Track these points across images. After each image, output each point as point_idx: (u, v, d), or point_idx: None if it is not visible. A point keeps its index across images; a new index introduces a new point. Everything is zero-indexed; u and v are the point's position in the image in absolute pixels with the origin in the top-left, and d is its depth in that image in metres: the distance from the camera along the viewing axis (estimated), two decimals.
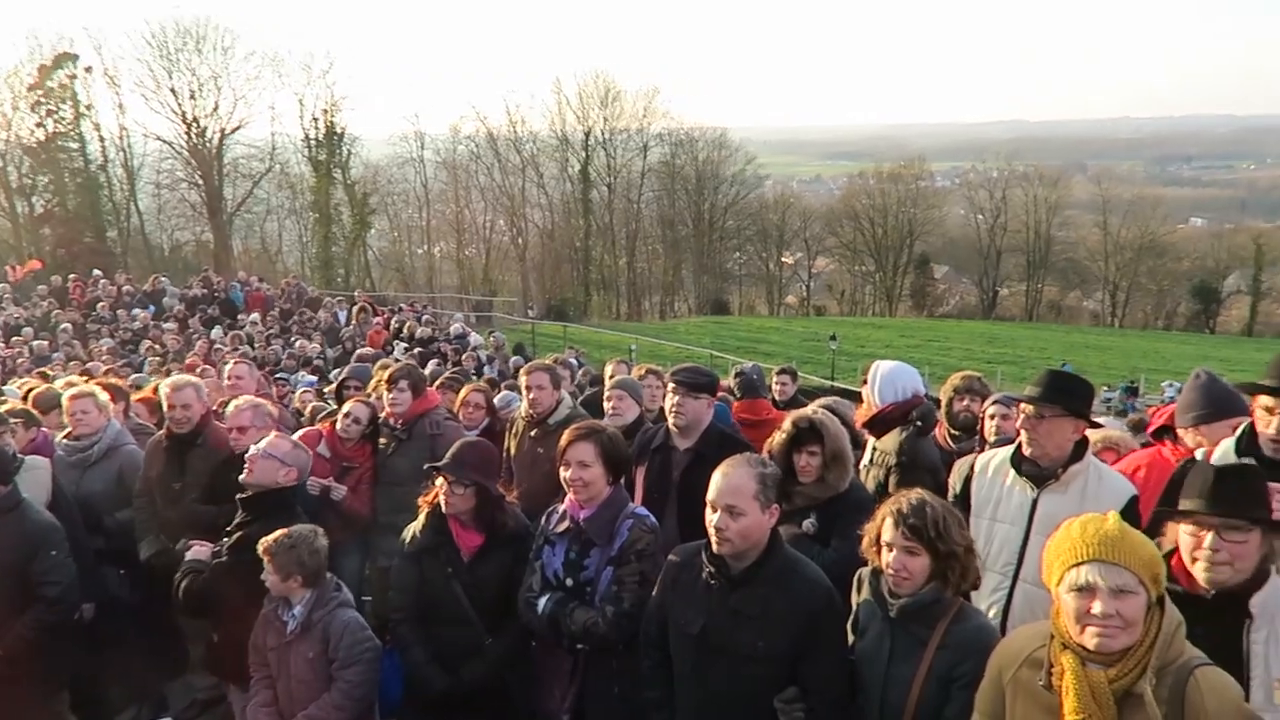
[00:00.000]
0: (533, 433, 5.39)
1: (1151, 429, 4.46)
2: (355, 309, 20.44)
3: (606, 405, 5.42)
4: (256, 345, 17.57)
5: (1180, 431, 4.04)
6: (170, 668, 5.47)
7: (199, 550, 4.09)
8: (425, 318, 22.26)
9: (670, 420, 4.43)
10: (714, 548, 2.97)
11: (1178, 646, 2.25)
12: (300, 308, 21.93)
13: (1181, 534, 2.67)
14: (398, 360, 9.43)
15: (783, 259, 67.14)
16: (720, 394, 5.61)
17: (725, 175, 63.52)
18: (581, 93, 59.14)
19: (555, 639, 3.53)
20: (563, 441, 3.60)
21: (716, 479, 2.98)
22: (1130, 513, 3.09)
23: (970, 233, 66.79)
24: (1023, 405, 3.42)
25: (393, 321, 20.69)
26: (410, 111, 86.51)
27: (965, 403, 4.96)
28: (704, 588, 3.03)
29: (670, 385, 4.46)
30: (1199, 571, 2.60)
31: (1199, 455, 3.60)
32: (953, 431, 4.98)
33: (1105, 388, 30.40)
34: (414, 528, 3.88)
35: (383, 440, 5.58)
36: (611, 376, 6.70)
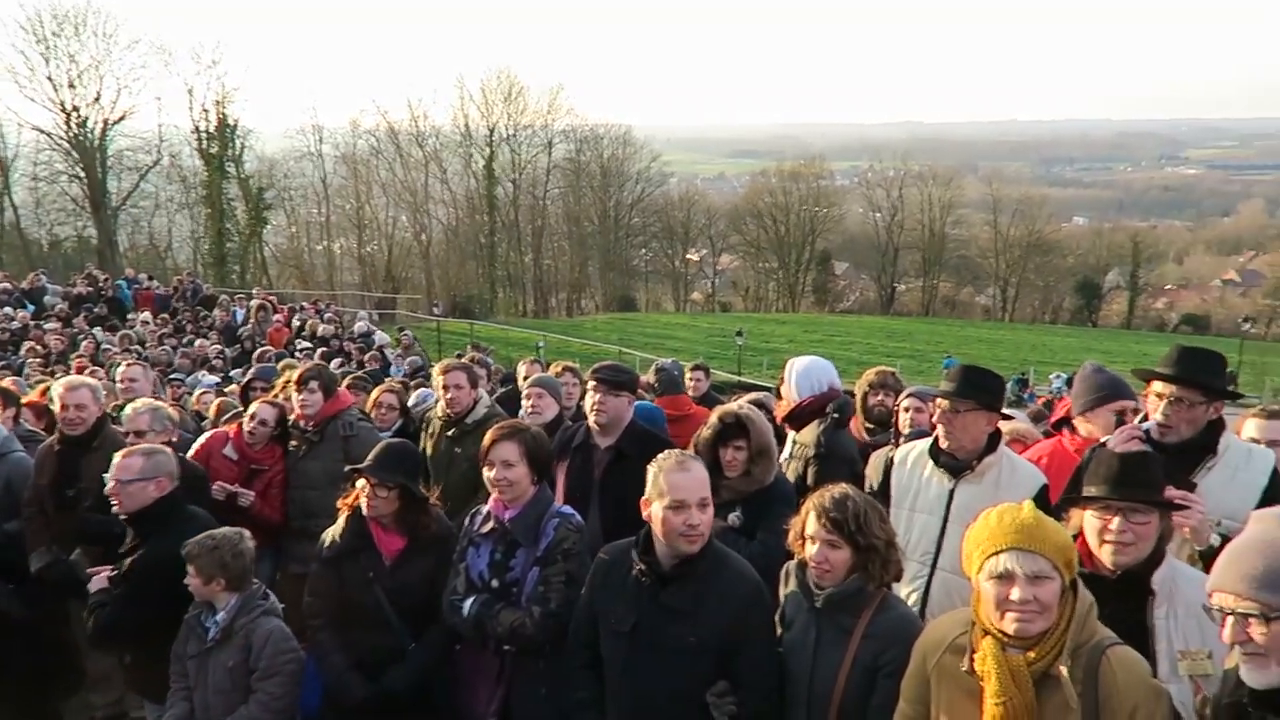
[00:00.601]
0: (450, 432, 5.32)
1: (1053, 420, 4.68)
2: (254, 307, 19.74)
3: (526, 404, 5.38)
4: (148, 346, 16.81)
5: (1075, 420, 4.26)
6: (65, 685, 5.20)
7: (99, 582, 3.88)
8: (328, 316, 21.66)
9: (591, 418, 4.42)
10: (686, 547, 2.94)
11: (1090, 627, 2.36)
12: (195, 306, 21.09)
13: (1088, 518, 2.80)
14: (298, 359, 9.18)
15: (688, 256, 67.75)
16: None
17: (630, 172, 63.77)
18: (485, 88, 58.54)
19: (481, 641, 3.49)
20: (486, 441, 3.55)
21: (679, 478, 2.94)
22: (1041, 500, 3.23)
23: (869, 230, 68.55)
24: (939, 400, 3.54)
25: (294, 320, 20.08)
26: (307, 104, 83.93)
27: (879, 397, 5.09)
28: (634, 585, 3.03)
29: (591, 383, 4.44)
30: (1106, 553, 2.73)
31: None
32: (867, 425, 5.11)
33: None
34: (333, 531, 3.79)
35: (293, 443, 5.41)
36: (525, 377, 6.65)
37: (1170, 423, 3.28)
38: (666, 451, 3.10)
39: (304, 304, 24.04)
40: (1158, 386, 3.35)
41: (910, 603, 3.36)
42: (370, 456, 3.71)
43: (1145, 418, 3.44)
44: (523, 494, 3.50)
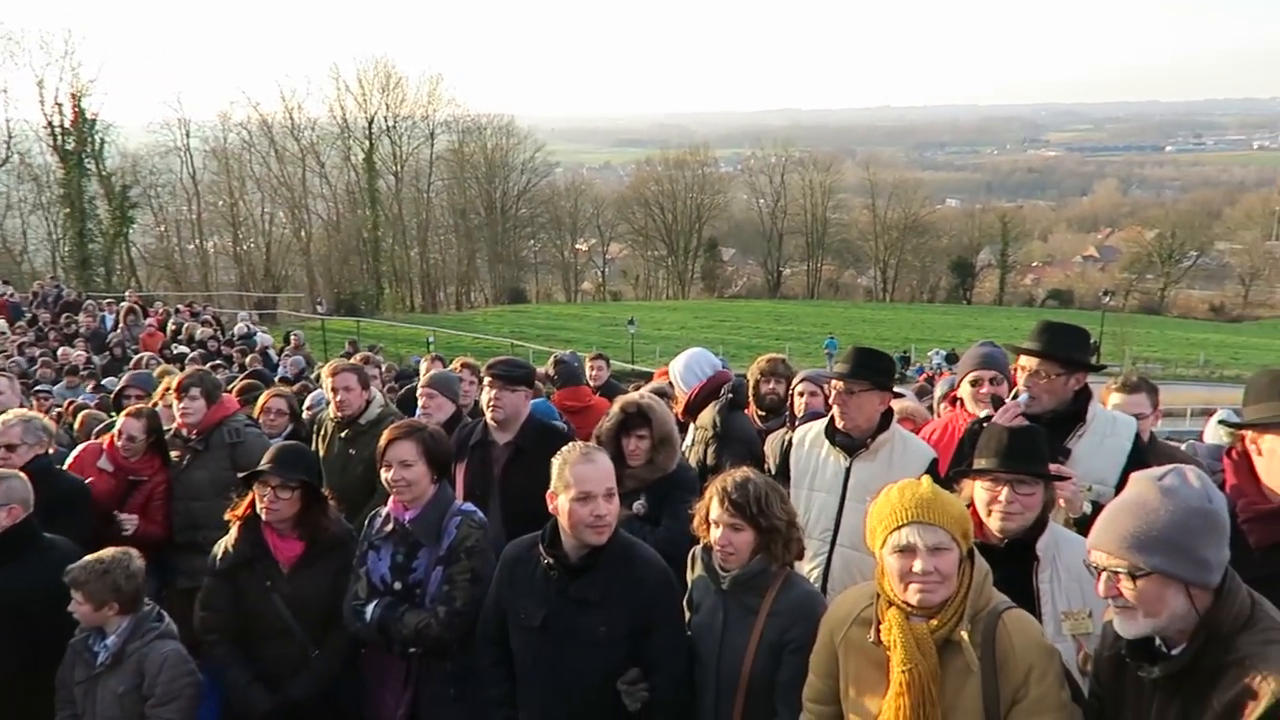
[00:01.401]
0: (343, 434, 5.17)
1: (950, 397, 4.89)
2: (124, 310, 18.73)
3: (420, 405, 5.28)
4: (6, 355, 15.74)
5: (958, 394, 4.47)
6: None
7: None
8: (204, 318, 20.73)
9: (488, 415, 4.36)
10: (593, 538, 2.93)
11: (987, 594, 2.47)
12: (57, 312, 19.88)
13: (978, 489, 2.93)
14: (179, 368, 8.75)
15: (577, 246, 67.71)
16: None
17: (515, 163, 63.31)
18: (361, 78, 57.04)
19: (386, 645, 3.43)
20: (382, 442, 3.49)
21: (584, 470, 2.93)
22: (930, 473, 3.35)
23: (754, 216, 69.93)
24: (834, 382, 3.64)
25: (168, 323, 19.14)
26: (172, 96, 79.97)
27: (770, 385, 5.16)
28: (543, 579, 3.02)
29: (486, 379, 4.39)
30: (994, 522, 2.86)
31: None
32: (760, 413, 5.19)
33: None
34: (225, 542, 3.65)
35: (175, 453, 5.16)
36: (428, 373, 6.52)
37: (1031, 394, 3.46)
38: (571, 444, 3.09)
39: (178, 306, 22.93)
40: (1023, 360, 3.52)
41: (812, 579, 3.44)
42: (267, 458, 3.59)
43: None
44: (422, 494, 3.44)
